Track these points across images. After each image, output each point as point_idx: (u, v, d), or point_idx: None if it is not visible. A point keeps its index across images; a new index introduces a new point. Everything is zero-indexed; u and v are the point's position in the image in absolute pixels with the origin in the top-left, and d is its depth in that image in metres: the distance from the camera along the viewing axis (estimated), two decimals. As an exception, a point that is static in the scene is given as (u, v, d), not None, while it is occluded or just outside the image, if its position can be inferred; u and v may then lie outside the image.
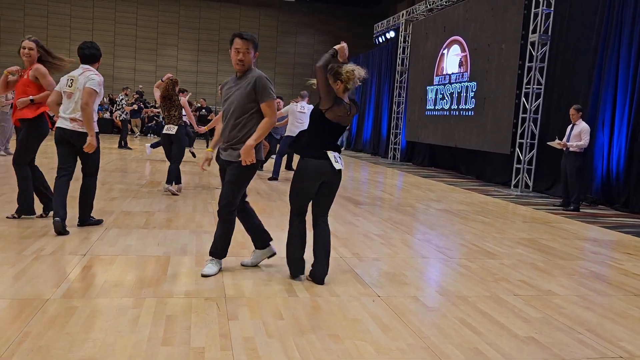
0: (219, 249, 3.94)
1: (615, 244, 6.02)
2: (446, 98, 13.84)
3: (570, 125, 8.51)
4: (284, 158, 11.23)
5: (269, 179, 9.80)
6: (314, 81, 3.75)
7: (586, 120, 8.66)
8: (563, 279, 4.39)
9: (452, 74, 13.59)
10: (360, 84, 3.83)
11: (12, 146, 11.31)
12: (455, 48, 13.50)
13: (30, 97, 5.17)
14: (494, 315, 3.44)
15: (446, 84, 13.89)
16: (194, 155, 12.84)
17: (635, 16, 8.61)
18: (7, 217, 5.28)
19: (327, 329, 3.03)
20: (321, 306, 3.40)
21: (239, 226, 5.57)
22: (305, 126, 4.22)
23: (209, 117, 17.87)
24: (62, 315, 3.00)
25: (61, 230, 4.72)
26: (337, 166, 3.77)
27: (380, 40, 19.61)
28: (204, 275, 3.84)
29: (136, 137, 20.58)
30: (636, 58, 8.55)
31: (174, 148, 7.52)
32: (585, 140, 8.22)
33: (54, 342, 2.65)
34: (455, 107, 13.30)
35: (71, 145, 4.93)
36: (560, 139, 8.60)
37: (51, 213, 5.29)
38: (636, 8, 8.61)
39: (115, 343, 2.69)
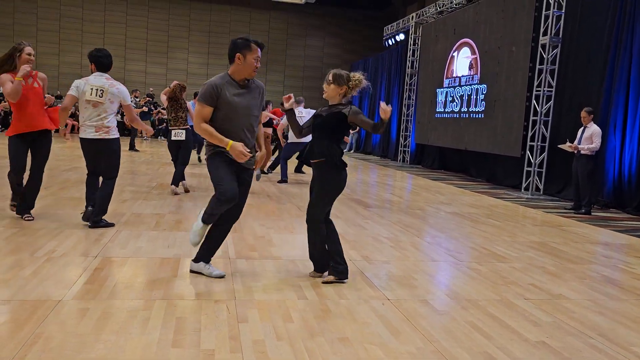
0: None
1: (627, 248, 5.96)
2: (456, 101, 13.80)
3: (582, 128, 8.44)
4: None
5: (279, 181, 9.84)
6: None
7: (598, 122, 8.59)
8: (574, 283, 4.36)
9: (462, 76, 13.55)
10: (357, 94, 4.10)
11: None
12: (465, 50, 13.46)
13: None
14: (505, 319, 3.42)
15: (456, 86, 13.85)
16: (200, 160, 12.76)
17: (647, 18, 8.54)
18: (25, 218, 5.33)
19: (336, 332, 3.03)
20: (331, 309, 3.40)
21: (248, 229, 5.59)
22: None
23: None
24: (73, 316, 3.02)
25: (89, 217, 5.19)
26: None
27: (390, 43, 19.59)
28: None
29: (146, 139, 20.70)
30: (648, 60, 8.48)
31: (182, 152, 7.75)
32: (596, 143, 8.15)
33: (65, 344, 2.67)
34: (465, 109, 13.25)
35: (95, 152, 5.19)
36: (572, 142, 8.54)
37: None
38: (648, 10, 8.54)
39: (126, 345, 2.71)
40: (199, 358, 2.61)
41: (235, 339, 2.86)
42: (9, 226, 5.06)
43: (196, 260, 3.95)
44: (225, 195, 3.61)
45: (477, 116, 12.70)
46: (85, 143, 5.15)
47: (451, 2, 14.60)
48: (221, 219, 3.81)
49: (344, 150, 4.02)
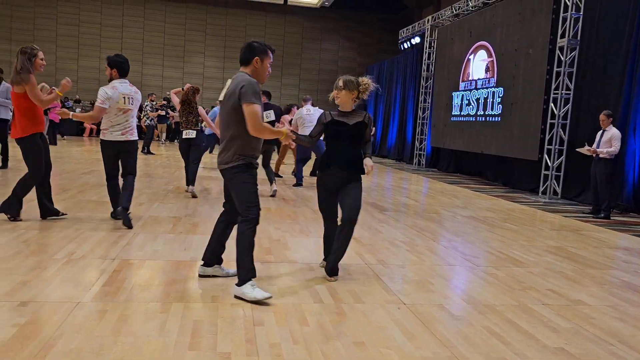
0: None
1: (647, 253, 5.87)
2: (472, 104, 13.71)
3: (601, 131, 8.33)
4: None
5: (294, 185, 9.86)
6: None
7: (617, 126, 8.47)
8: (593, 289, 4.30)
9: (479, 79, 13.46)
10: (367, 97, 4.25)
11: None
12: (482, 53, 13.37)
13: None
14: (522, 324, 3.38)
15: (472, 89, 13.76)
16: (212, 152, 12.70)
17: (668, 19, 8.41)
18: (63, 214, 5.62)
19: (352, 336, 3.03)
20: (346, 313, 3.39)
21: (264, 233, 5.61)
22: (312, 128, 4.42)
23: None
24: (92, 318, 3.06)
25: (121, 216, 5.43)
26: None
27: (406, 46, 19.53)
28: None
29: (162, 143, 20.88)
30: (669, 62, 8.35)
31: (194, 151, 7.80)
32: (616, 147, 8.04)
33: (84, 345, 2.71)
34: (482, 112, 13.16)
35: (117, 153, 5.60)
36: (590, 145, 8.43)
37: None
38: (669, 11, 8.41)
39: (143, 347, 2.73)
40: (215, 361, 2.62)
41: (251, 342, 2.87)
42: (30, 228, 5.15)
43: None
44: (257, 221, 3.69)
45: (493, 119, 12.60)
46: (110, 145, 5.56)
47: (467, 5, 14.52)
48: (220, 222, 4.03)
49: None
